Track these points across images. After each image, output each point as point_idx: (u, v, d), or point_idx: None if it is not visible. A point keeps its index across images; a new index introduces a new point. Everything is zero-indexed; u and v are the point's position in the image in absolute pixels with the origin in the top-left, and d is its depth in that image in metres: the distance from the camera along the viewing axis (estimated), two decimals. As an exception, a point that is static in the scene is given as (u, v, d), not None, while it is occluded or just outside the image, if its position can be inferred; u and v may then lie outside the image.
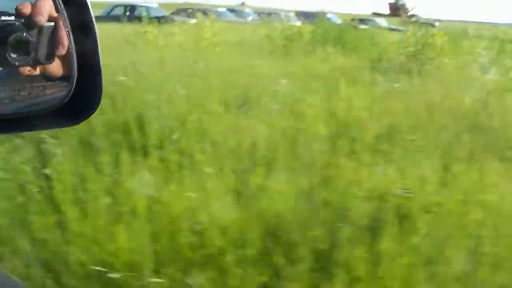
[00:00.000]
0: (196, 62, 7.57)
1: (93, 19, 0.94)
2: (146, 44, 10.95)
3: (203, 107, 4.78)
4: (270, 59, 9.95)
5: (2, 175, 3.18)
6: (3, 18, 0.89)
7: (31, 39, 0.89)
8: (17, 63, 0.88)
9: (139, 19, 20.22)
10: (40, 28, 0.89)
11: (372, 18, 34.31)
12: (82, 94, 0.96)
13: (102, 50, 0.93)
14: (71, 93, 0.96)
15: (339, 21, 27.07)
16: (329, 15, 29.15)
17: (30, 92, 0.95)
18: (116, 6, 27.55)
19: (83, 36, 0.93)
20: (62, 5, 0.92)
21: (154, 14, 25.09)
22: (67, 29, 0.91)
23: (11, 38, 0.87)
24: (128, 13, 25.60)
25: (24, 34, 0.89)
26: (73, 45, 0.92)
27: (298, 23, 21.65)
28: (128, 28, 14.63)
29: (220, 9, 27.13)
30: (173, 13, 26.94)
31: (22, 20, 0.88)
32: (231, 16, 25.29)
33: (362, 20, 29.47)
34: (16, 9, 0.91)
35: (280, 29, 13.19)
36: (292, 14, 26.16)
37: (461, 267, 2.49)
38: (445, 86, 6.86)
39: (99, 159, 3.37)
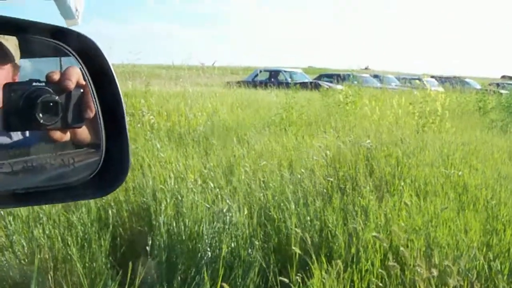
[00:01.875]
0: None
1: (120, 90, 1.05)
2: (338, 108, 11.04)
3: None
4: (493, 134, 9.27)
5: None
6: (34, 84, 1.01)
7: (59, 100, 1.00)
8: (46, 123, 0.98)
9: (283, 84, 21.78)
10: (69, 93, 1.01)
11: (508, 82, 32.99)
12: (111, 163, 1.04)
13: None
14: (101, 161, 1.04)
15: (478, 86, 26.56)
16: (467, 80, 28.76)
17: (61, 160, 1.05)
18: (261, 71, 29.27)
19: (109, 104, 1.03)
20: (89, 75, 1.05)
21: (298, 79, 26.56)
22: (93, 97, 1.03)
23: (40, 100, 0.98)
24: (272, 78, 27.25)
25: (52, 96, 1.00)
26: (100, 113, 1.03)
27: (441, 89, 21.72)
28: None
29: (364, 75, 27.91)
30: (316, 79, 27.99)
31: (52, 86, 1.00)
32: (375, 82, 25.79)
33: (499, 85, 28.49)
34: (47, 76, 1.02)
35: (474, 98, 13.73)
36: (432, 80, 26.12)
37: None
38: None
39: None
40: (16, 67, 1.17)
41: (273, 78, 27.45)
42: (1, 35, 1.09)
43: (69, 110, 1.01)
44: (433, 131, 8.77)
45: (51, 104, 0.99)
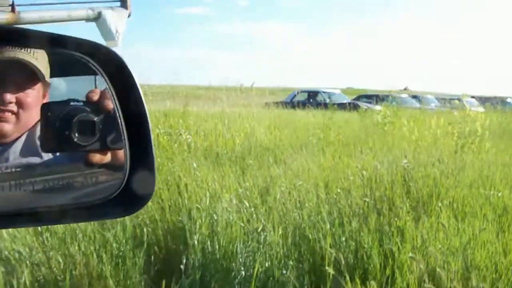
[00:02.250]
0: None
1: (145, 106, 1.03)
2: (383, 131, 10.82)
3: None
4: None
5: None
6: (72, 104, 1.00)
7: (96, 120, 0.99)
8: (82, 143, 0.97)
9: (322, 105, 21.80)
10: (108, 114, 1.00)
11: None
12: (137, 181, 1.02)
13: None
14: (125, 179, 1.02)
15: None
16: (508, 100, 28.12)
17: (86, 179, 1.04)
18: (299, 92, 29.45)
19: (135, 121, 1.01)
20: (114, 92, 1.03)
21: (336, 100, 26.55)
22: (118, 113, 1.01)
23: (75, 119, 0.97)
24: (311, 99, 27.35)
25: (89, 115, 0.98)
26: (124, 130, 1.01)
27: (481, 109, 21.30)
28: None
29: (403, 95, 27.67)
30: (355, 99, 27.95)
31: (90, 106, 0.99)
32: (414, 103, 25.54)
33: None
34: (86, 96, 1.02)
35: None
36: (472, 100, 25.67)
37: None
38: None
39: None
40: (46, 85, 1.20)
41: (312, 99, 27.54)
42: (32, 55, 1.12)
43: (108, 131, 1.00)
44: (473, 152, 8.60)
45: (87, 123, 0.98)
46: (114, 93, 1.03)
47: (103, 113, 1.00)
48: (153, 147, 1.04)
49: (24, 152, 1.14)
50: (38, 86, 1.19)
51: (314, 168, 6.44)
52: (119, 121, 1.01)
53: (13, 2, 12.97)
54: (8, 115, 1.15)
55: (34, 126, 1.17)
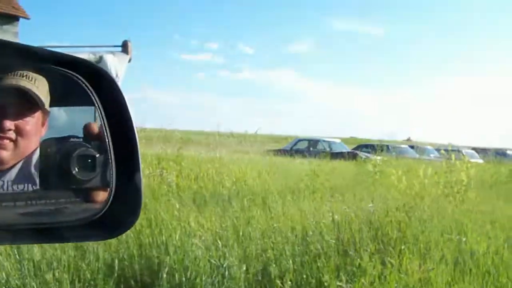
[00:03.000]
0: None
1: (134, 125, 1.06)
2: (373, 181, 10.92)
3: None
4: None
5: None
6: (72, 140, 1.03)
7: (96, 154, 1.00)
8: (82, 178, 0.99)
9: (322, 153, 22.14)
10: (107, 150, 1.02)
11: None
12: (122, 204, 1.04)
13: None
14: (109, 201, 1.04)
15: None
16: (509, 152, 28.42)
17: (70, 199, 1.05)
18: (300, 140, 29.80)
19: (123, 140, 1.05)
20: (102, 109, 1.08)
21: (336, 149, 26.93)
22: (105, 131, 1.06)
23: (75, 153, 0.99)
24: (311, 148, 27.67)
25: (89, 149, 1.00)
26: (111, 150, 1.04)
27: (480, 161, 21.54)
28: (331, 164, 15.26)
29: (402, 146, 28.01)
30: (355, 149, 28.23)
31: (90, 140, 1.02)
32: (414, 153, 25.83)
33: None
34: (84, 129, 1.05)
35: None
36: (472, 151, 25.92)
37: None
38: None
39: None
40: (46, 113, 1.20)
41: (312, 147, 27.80)
42: (33, 83, 1.15)
43: (109, 168, 1.01)
44: (456, 201, 8.84)
45: (87, 158, 0.99)
46: (101, 108, 1.08)
47: (103, 149, 1.02)
48: (141, 168, 1.06)
49: (19, 179, 1.13)
50: (38, 114, 1.20)
51: (293, 211, 6.70)
52: (106, 136, 1.04)
53: None
54: (7, 142, 1.16)
55: (31, 154, 1.17)
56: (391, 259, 4.43)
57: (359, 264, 4.34)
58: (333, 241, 4.88)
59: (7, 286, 3.66)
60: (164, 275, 3.92)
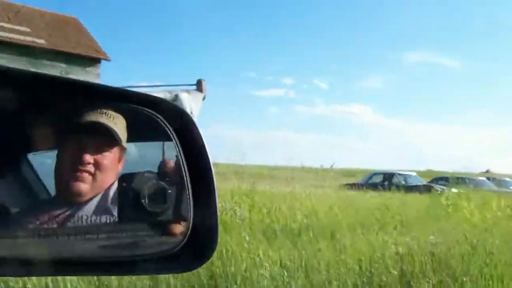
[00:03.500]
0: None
1: (211, 163, 1.10)
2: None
3: None
4: None
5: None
6: (146, 175, 1.09)
7: (167, 187, 1.06)
8: (153, 210, 1.04)
9: (398, 187, 21.90)
10: (181, 184, 1.07)
11: None
12: (198, 238, 1.08)
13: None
14: (187, 235, 1.08)
15: None
16: None
17: (147, 231, 1.11)
18: (375, 174, 29.56)
19: (200, 178, 1.09)
20: (181, 148, 1.13)
21: (412, 182, 26.51)
22: (184, 169, 1.11)
23: (146, 185, 1.05)
24: (386, 181, 27.39)
25: (160, 183, 1.06)
26: (189, 187, 1.09)
27: None
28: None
29: (480, 178, 27.16)
30: (430, 182, 27.65)
31: (164, 176, 1.08)
32: (490, 185, 24.99)
33: None
34: (160, 166, 1.13)
35: None
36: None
37: None
38: None
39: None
40: (123, 149, 1.26)
41: (387, 181, 27.43)
42: (112, 120, 1.22)
43: (182, 201, 1.06)
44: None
45: (157, 190, 1.04)
46: (184, 161, 1.11)
47: (177, 184, 1.07)
48: (218, 206, 1.10)
49: (97, 212, 1.17)
50: (115, 150, 1.25)
51: (361, 244, 6.85)
52: (186, 184, 1.08)
53: None
54: (86, 175, 1.21)
55: (109, 188, 1.22)
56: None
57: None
58: (397, 273, 5.02)
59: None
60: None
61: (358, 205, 13.01)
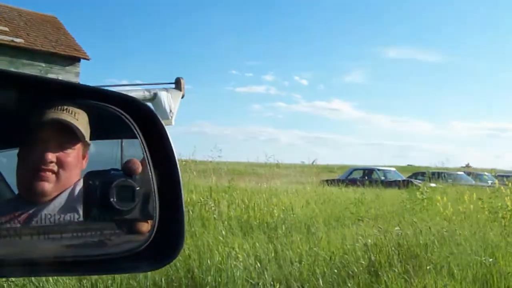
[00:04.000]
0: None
1: (176, 158, 1.11)
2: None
3: None
4: None
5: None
6: (113, 172, 1.08)
7: (135, 185, 1.05)
8: (121, 208, 1.03)
9: (376, 182, 22.30)
10: (148, 182, 1.07)
11: None
12: (165, 235, 1.08)
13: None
14: (154, 232, 1.08)
15: None
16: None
17: (113, 230, 1.10)
18: (355, 169, 30.00)
19: (165, 173, 1.10)
20: (145, 143, 1.12)
21: (391, 178, 26.95)
22: (149, 165, 1.11)
23: (114, 184, 1.04)
24: (366, 176, 27.79)
25: (128, 180, 1.05)
26: (154, 183, 1.09)
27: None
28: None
29: (459, 173, 27.70)
30: (410, 177, 28.08)
31: (132, 175, 1.07)
32: (469, 180, 25.50)
33: None
34: (125, 165, 1.10)
35: None
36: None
37: None
38: None
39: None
40: (86, 146, 1.23)
41: (367, 177, 27.83)
42: (73, 116, 1.20)
43: (149, 199, 1.05)
44: (501, 226, 8.95)
45: (125, 188, 1.03)
46: (150, 158, 1.11)
47: (143, 181, 1.06)
48: (183, 200, 1.10)
49: (61, 211, 1.15)
50: (78, 147, 1.22)
51: (334, 237, 7.11)
52: (152, 182, 1.08)
53: None
54: (49, 174, 1.18)
55: (73, 185, 1.20)
56: (415, 278, 4.80)
57: (385, 282, 4.73)
58: (365, 263, 5.27)
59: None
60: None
61: (335, 200, 13.30)
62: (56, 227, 1.13)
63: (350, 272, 5.18)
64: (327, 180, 29.04)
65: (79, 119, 1.20)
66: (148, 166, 1.09)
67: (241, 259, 5.37)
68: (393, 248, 5.69)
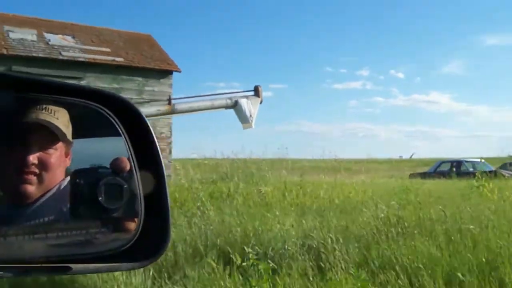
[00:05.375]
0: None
1: (159, 151, 1.16)
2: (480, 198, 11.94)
3: None
4: None
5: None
6: (100, 170, 1.10)
7: (123, 183, 1.09)
8: (109, 206, 1.06)
9: (465, 174, 23.26)
10: (134, 180, 1.11)
11: None
12: (151, 232, 1.13)
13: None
14: (139, 230, 1.13)
15: None
16: None
17: (97, 229, 1.13)
18: (443, 162, 30.97)
19: (149, 167, 1.14)
20: (129, 140, 1.16)
21: (481, 169, 27.51)
22: (132, 159, 1.14)
23: (101, 182, 1.06)
24: (454, 168, 28.61)
25: (116, 178, 1.08)
26: (138, 179, 1.13)
27: None
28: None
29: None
30: (500, 167, 28.60)
31: (120, 173, 1.10)
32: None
33: None
34: (112, 163, 1.13)
35: None
36: None
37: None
38: None
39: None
40: (68, 143, 1.24)
41: (455, 169, 28.59)
42: (53, 115, 1.21)
43: (136, 197, 1.11)
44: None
45: (113, 187, 1.08)
46: (133, 156, 1.15)
47: (130, 179, 1.11)
48: (169, 202, 1.16)
49: (46, 211, 1.17)
50: (60, 146, 1.23)
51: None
52: (136, 180, 1.13)
53: (169, 96, 18.18)
54: (31, 177, 1.19)
55: (58, 185, 1.22)
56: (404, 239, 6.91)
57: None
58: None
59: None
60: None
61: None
62: (42, 227, 1.14)
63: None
64: (415, 174, 30.34)
65: (60, 118, 1.21)
66: (132, 163, 1.14)
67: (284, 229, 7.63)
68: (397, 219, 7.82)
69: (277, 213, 9.03)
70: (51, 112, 1.20)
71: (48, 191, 1.20)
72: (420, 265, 5.71)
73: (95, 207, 1.06)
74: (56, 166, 1.21)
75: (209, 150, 40.61)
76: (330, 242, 6.70)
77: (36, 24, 23.11)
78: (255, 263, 5.69)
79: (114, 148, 1.18)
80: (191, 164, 20.36)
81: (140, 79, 22.52)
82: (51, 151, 1.21)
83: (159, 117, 19.79)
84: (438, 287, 5.33)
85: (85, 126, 1.27)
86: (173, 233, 7.36)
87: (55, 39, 22.28)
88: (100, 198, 1.05)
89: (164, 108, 19.40)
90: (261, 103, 19.53)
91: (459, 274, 5.43)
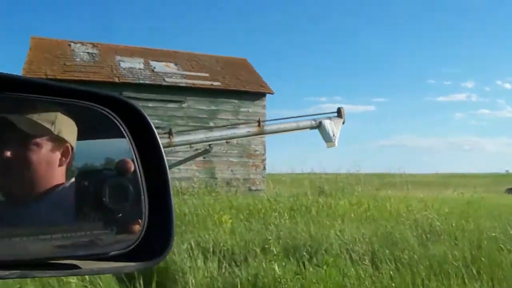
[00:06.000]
0: None
1: (164, 155, 1.17)
2: None
3: None
4: None
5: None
6: (105, 171, 1.13)
7: (128, 184, 1.11)
8: (113, 207, 1.09)
9: None
10: (139, 181, 1.13)
11: None
12: (154, 234, 1.15)
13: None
14: (143, 232, 1.16)
15: None
16: None
17: (102, 230, 1.15)
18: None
19: (154, 171, 1.16)
20: (134, 143, 1.18)
21: None
22: (136, 162, 1.16)
23: (107, 183, 1.08)
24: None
25: (122, 179, 1.10)
26: (143, 182, 1.15)
27: None
28: None
29: None
30: None
31: (125, 175, 1.13)
32: None
33: None
34: (117, 165, 1.16)
35: None
36: None
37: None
38: None
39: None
40: (61, 142, 1.23)
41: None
42: (58, 119, 1.21)
43: (141, 198, 1.15)
44: None
45: (119, 188, 1.11)
46: (133, 143, 1.18)
47: (135, 181, 1.15)
48: (172, 203, 1.18)
49: (51, 211, 1.19)
50: (45, 143, 1.22)
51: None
52: (141, 181, 1.15)
53: (259, 119, 21.00)
54: (27, 176, 1.20)
55: (63, 185, 1.22)
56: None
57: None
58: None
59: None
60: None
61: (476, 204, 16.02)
62: (46, 228, 1.16)
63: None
64: (509, 188, 30.52)
65: (63, 122, 1.22)
66: (136, 164, 1.17)
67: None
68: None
69: (339, 221, 10.86)
70: (49, 114, 1.20)
71: (49, 191, 1.20)
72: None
73: (100, 208, 1.09)
74: (54, 167, 1.21)
75: (306, 165, 41.66)
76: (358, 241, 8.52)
77: (143, 53, 26.04)
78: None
79: (119, 149, 1.20)
80: (282, 179, 22.41)
81: (235, 101, 24.70)
82: (33, 147, 1.19)
83: (251, 137, 22.21)
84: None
85: (90, 128, 1.29)
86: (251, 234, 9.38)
87: (160, 66, 25.03)
88: (104, 199, 1.08)
89: (254, 129, 21.71)
90: (343, 123, 21.48)
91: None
